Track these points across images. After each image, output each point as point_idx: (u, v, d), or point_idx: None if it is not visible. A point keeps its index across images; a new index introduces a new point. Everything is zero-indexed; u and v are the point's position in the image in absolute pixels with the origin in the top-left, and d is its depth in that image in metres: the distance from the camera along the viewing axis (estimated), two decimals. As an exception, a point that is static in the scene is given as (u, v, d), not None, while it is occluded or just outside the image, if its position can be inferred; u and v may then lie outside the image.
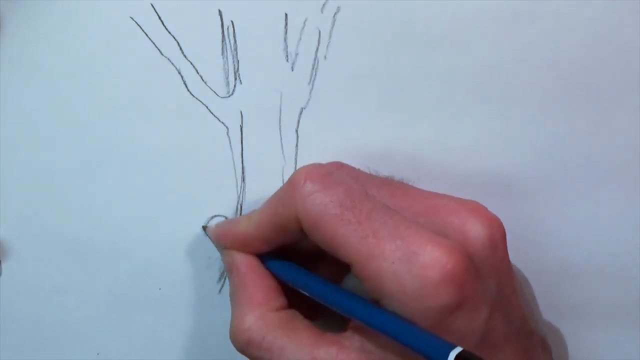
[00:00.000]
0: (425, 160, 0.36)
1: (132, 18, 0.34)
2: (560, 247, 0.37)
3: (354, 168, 0.34)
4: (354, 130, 0.36)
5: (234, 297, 0.34)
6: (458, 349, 0.27)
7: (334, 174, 0.32)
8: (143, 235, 0.36)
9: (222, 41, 0.34)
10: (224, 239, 0.34)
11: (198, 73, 0.35)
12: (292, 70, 0.35)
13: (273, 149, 0.36)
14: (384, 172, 0.36)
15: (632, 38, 0.35)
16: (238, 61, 0.35)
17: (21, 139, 0.35)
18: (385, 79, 0.35)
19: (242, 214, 0.36)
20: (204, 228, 0.36)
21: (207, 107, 0.35)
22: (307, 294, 0.32)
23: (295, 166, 0.36)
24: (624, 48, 0.35)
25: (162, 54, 0.34)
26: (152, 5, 0.34)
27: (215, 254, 0.36)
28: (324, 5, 0.34)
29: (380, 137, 0.36)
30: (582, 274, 0.37)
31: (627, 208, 0.37)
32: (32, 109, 0.34)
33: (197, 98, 0.35)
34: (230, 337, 0.33)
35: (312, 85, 0.35)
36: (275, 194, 0.33)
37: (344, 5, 0.34)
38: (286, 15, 0.34)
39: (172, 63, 0.34)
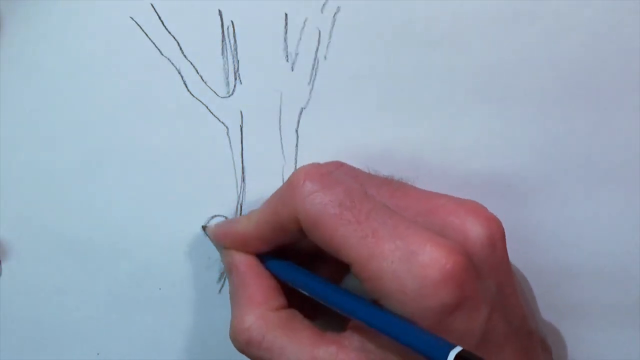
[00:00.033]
0: (425, 160, 0.36)
1: (132, 18, 0.34)
2: (560, 247, 0.37)
3: (353, 167, 0.34)
4: (354, 130, 0.36)
5: (233, 297, 0.34)
6: (458, 349, 0.27)
7: (334, 173, 0.32)
8: (143, 235, 0.36)
9: (222, 41, 0.34)
10: (224, 238, 0.34)
11: (198, 73, 0.35)
12: (292, 70, 0.35)
13: (273, 149, 0.36)
14: (384, 172, 0.36)
15: (632, 38, 0.35)
16: (238, 61, 0.35)
17: (21, 139, 0.35)
18: (385, 79, 0.35)
19: (242, 214, 0.36)
20: (204, 228, 0.36)
21: (207, 107, 0.35)
22: (306, 293, 0.32)
23: (295, 166, 0.36)
24: (624, 48, 0.35)
25: (162, 54, 0.34)
26: (152, 5, 0.34)
27: (215, 254, 0.36)
28: (324, 5, 0.34)
29: (380, 137, 0.36)
30: (582, 274, 0.37)
31: (627, 208, 0.37)
32: (32, 109, 0.34)
33: (197, 98, 0.35)
34: (231, 337, 0.33)
35: (312, 85, 0.35)
36: (275, 193, 0.33)
37: (344, 5, 0.34)
38: (286, 15, 0.34)
39: (172, 63, 0.34)
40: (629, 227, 0.37)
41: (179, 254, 0.36)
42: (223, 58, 0.34)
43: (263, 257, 0.34)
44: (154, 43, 0.34)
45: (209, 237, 0.36)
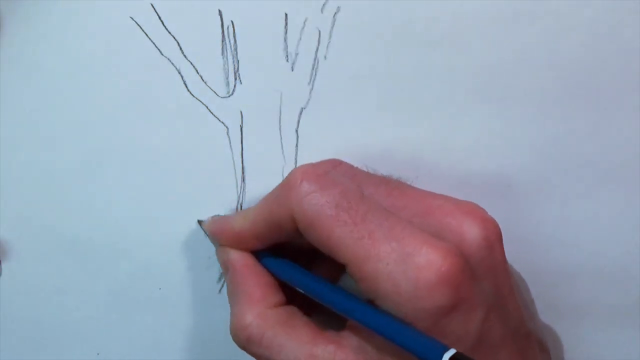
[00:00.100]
0: (425, 160, 0.36)
1: (132, 18, 0.34)
2: (560, 247, 0.37)
3: (351, 166, 0.34)
4: (354, 130, 0.36)
5: (231, 295, 0.34)
6: (452, 351, 0.27)
7: (331, 173, 0.32)
8: (143, 235, 0.36)
9: (222, 41, 0.34)
10: (219, 235, 0.35)
11: (198, 73, 0.35)
12: (292, 70, 0.35)
13: (273, 149, 0.36)
14: (384, 172, 0.36)
15: (632, 38, 0.35)
16: (238, 61, 0.35)
17: (21, 139, 0.35)
18: (385, 79, 0.35)
19: (242, 213, 0.36)
20: (200, 222, 0.36)
21: (207, 107, 0.35)
22: (302, 291, 0.32)
23: (295, 166, 0.36)
24: (624, 48, 0.35)
25: (162, 54, 0.34)
26: (152, 5, 0.34)
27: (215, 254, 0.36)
28: (324, 5, 0.34)
29: (380, 137, 0.36)
30: (582, 274, 0.37)
31: (627, 208, 0.37)
32: (32, 109, 0.34)
33: (197, 98, 0.35)
34: (231, 334, 0.33)
35: (312, 85, 0.35)
36: (271, 192, 0.33)
37: (344, 5, 0.34)
38: (286, 15, 0.34)
39: (172, 63, 0.34)
40: (629, 227, 0.37)
41: (179, 254, 0.36)
42: (223, 58, 0.34)
43: (258, 254, 0.34)
44: (154, 43, 0.34)
45: (204, 231, 0.36)
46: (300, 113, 0.35)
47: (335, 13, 0.34)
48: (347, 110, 0.35)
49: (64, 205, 0.35)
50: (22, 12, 0.33)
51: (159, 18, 0.34)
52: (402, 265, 0.29)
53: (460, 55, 0.35)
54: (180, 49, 0.34)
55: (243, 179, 0.36)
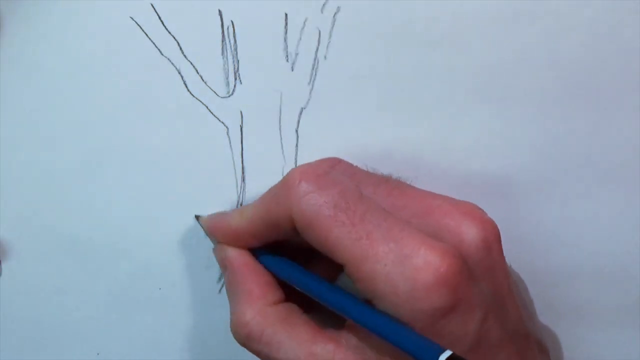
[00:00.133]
0: (425, 160, 0.36)
1: (132, 18, 0.34)
2: (560, 247, 0.37)
3: (351, 165, 0.34)
4: (354, 130, 0.36)
5: (231, 292, 0.34)
6: (447, 353, 0.27)
7: (330, 173, 0.32)
8: (143, 235, 0.36)
9: (222, 41, 0.34)
10: (216, 232, 0.35)
11: (198, 73, 0.35)
12: (292, 70, 0.35)
13: (273, 149, 0.36)
14: (384, 172, 0.36)
15: (632, 38, 0.35)
16: (238, 61, 0.35)
17: (21, 139, 0.35)
18: (385, 79, 0.35)
19: (242, 214, 0.36)
20: (197, 217, 0.36)
21: (207, 107, 0.35)
22: (299, 289, 0.33)
23: (295, 166, 0.36)
24: (624, 48, 0.35)
25: (162, 54, 0.34)
26: (152, 5, 0.34)
27: (215, 254, 0.36)
28: (324, 5, 0.34)
29: (380, 137, 0.36)
30: (582, 274, 0.37)
31: (627, 208, 0.37)
32: (32, 109, 0.34)
33: (197, 98, 0.35)
34: (232, 331, 0.33)
35: (312, 85, 0.35)
36: (269, 191, 0.33)
37: (344, 5, 0.34)
38: (286, 15, 0.34)
39: (172, 63, 0.34)
40: (629, 227, 0.37)
41: (179, 254, 0.36)
42: (223, 58, 0.34)
43: (256, 252, 0.34)
44: (154, 43, 0.34)
45: (201, 226, 0.36)
46: (300, 113, 0.35)
47: (335, 13, 0.34)
48: (347, 110, 0.35)
49: (64, 205, 0.35)
50: (22, 12, 0.33)
51: (159, 18, 0.34)
52: (400, 266, 0.29)
53: (460, 55, 0.35)
54: (180, 49, 0.34)
55: (243, 179, 0.36)
